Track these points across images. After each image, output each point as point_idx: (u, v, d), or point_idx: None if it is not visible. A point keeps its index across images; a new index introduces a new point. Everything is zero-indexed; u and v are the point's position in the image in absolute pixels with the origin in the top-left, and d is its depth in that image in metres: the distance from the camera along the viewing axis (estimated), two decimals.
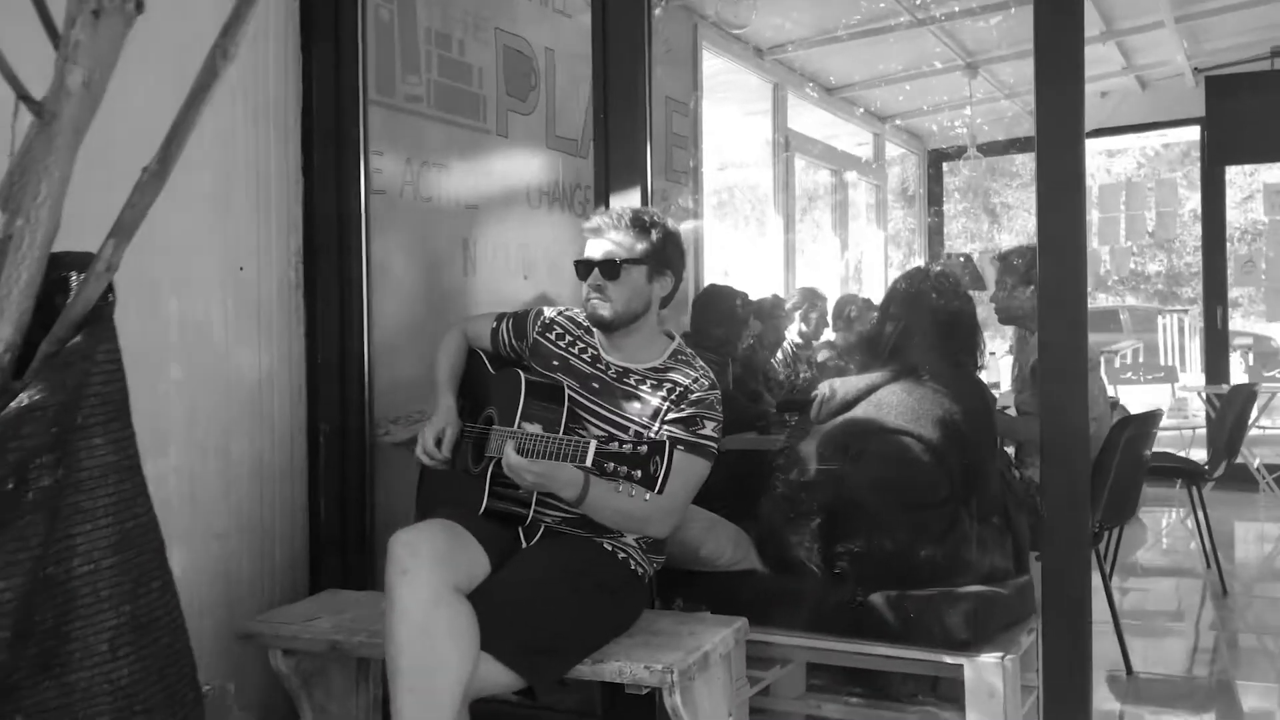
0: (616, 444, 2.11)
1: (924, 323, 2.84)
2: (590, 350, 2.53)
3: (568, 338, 2.56)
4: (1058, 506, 2.32)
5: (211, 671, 2.77)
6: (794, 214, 5.91)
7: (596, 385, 2.47)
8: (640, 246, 2.43)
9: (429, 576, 2.07)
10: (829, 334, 5.17)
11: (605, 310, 2.42)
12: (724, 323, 4.13)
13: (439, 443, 2.50)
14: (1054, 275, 2.33)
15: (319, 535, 3.07)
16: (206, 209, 2.80)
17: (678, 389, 2.41)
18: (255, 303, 2.94)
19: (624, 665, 2.22)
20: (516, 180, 3.87)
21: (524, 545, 2.37)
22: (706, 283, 4.91)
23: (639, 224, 2.44)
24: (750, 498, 3.01)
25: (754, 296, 4.76)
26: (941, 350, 2.86)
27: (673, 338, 2.55)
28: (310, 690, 2.65)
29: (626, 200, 2.69)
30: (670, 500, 2.29)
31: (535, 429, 2.24)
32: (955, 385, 2.81)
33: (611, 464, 2.08)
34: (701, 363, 2.51)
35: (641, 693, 2.27)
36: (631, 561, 2.42)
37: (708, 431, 2.39)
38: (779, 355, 4.97)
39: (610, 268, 2.40)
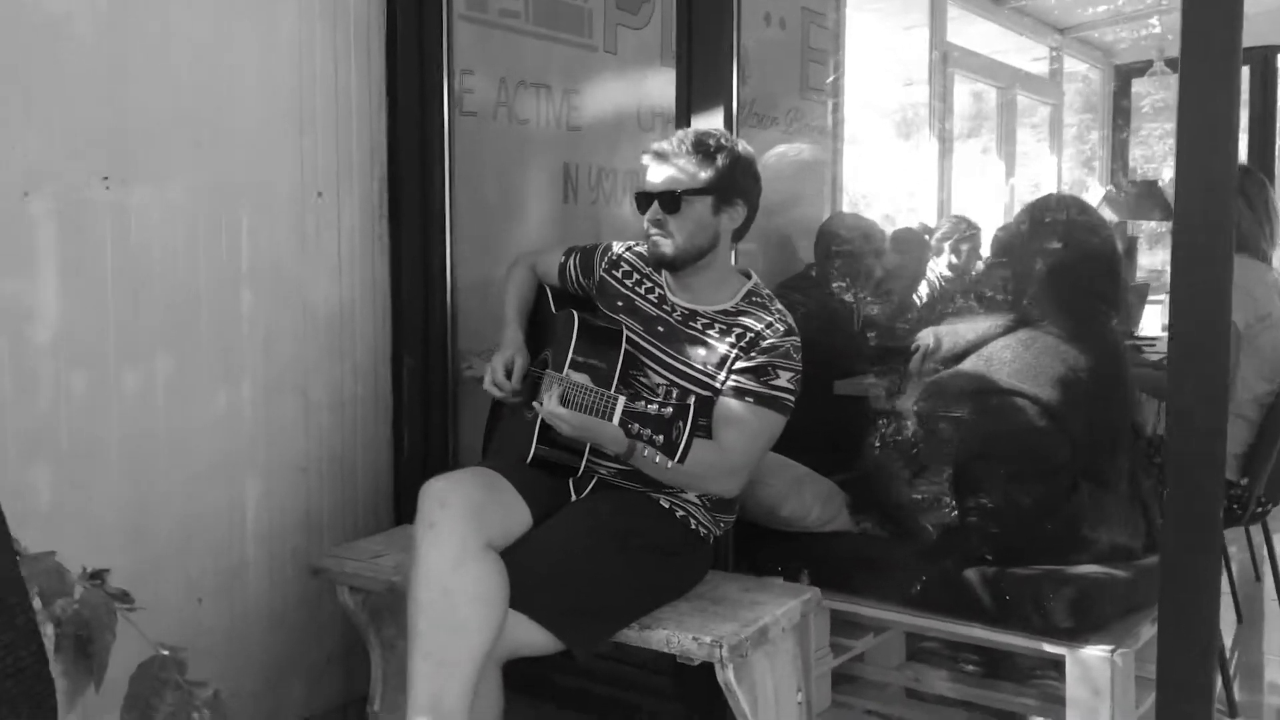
0: (643, 403, 1.90)
1: (1049, 262, 2.50)
2: (657, 290, 2.32)
3: (635, 275, 2.35)
4: (1180, 471, 1.96)
5: (291, 605, 2.76)
6: (952, 136, 5.46)
7: (661, 329, 2.26)
8: (704, 174, 2.17)
9: (457, 532, 1.94)
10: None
11: (666, 247, 2.20)
12: (848, 255, 3.81)
13: (509, 373, 2.35)
14: (1194, 205, 1.94)
15: (401, 470, 3.00)
16: (283, 130, 2.71)
17: (748, 335, 2.18)
18: (335, 230, 2.84)
19: (672, 634, 2.05)
20: (626, 101, 3.65)
21: (573, 498, 2.21)
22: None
23: (702, 148, 2.18)
24: (850, 450, 2.76)
25: (900, 225, 4.42)
26: (1071, 296, 2.51)
27: (749, 277, 2.32)
28: (379, 626, 2.60)
29: (709, 122, 2.44)
30: (735, 457, 2.11)
31: (582, 378, 2.06)
32: (1085, 338, 2.46)
33: (635, 425, 1.88)
34: (780, 306, 2.27)
35: (693, 663, 2.10)
36: (692, 521, 2.22)
37: (781, 383, 2.15)
38: (921, 290, 4.61)
39: (670, 200, 2.16)
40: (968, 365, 2.48)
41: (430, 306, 2.92)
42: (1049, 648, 2.20)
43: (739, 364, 2.16)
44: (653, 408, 1.88)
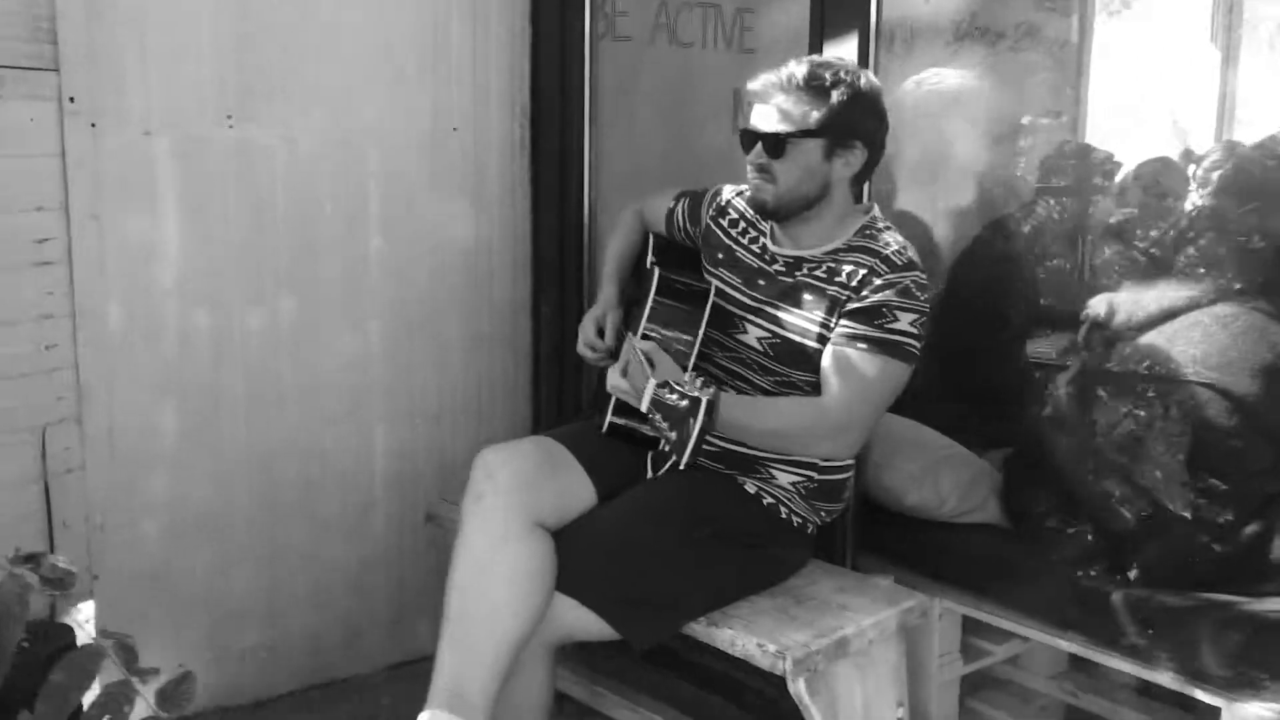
0: (668, 389, 1.68)
1: (1256, 220, 2.02)
2: (761, 240, 2.06)
3: (741, 224, 2.10)
4: None
5: (420, 548, 2.75)
6: (1238, 49, 4.65)
7: (763, 282, 2.01)
8: (815, 115, 1.87)
9: (501, 507, 1.82)
10: None
11: (767, 194, 1.93)
12: (1064, 193, 3.32)
13: (601, 332, 2.17)
14: None
15: (539, 417, 2.91)
16: (414, 65, 2.62)
17: (859, 273, 1.89)
18: (473, 167, 2.74)
19: (738, 636, 1.85)
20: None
21: (648, 476, 2.02)
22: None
23: (815, 84, 1.88)
24: (1013, 426, 2.40)
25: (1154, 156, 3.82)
26: None
27: (869, 211, 2.01)
28: None
29: (841, 50, 2.13)
30: (839, 414, 1.85)
31: (649, 345, 1.86)
32: None
33: (657, 416, 1.67)
34: (899, 237, 1.95)
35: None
36: (783, 509, 1.99)
37: (901, 325, 1.84)
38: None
39: (774, 143, 1.89)
40: (1144, 344, 2.06)
41: (565, 251, 2.77)
42: (1202, 694, 1.82)
43: (850, 306, 1.88)
44: (672, 397, 1.66)
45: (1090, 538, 2.10)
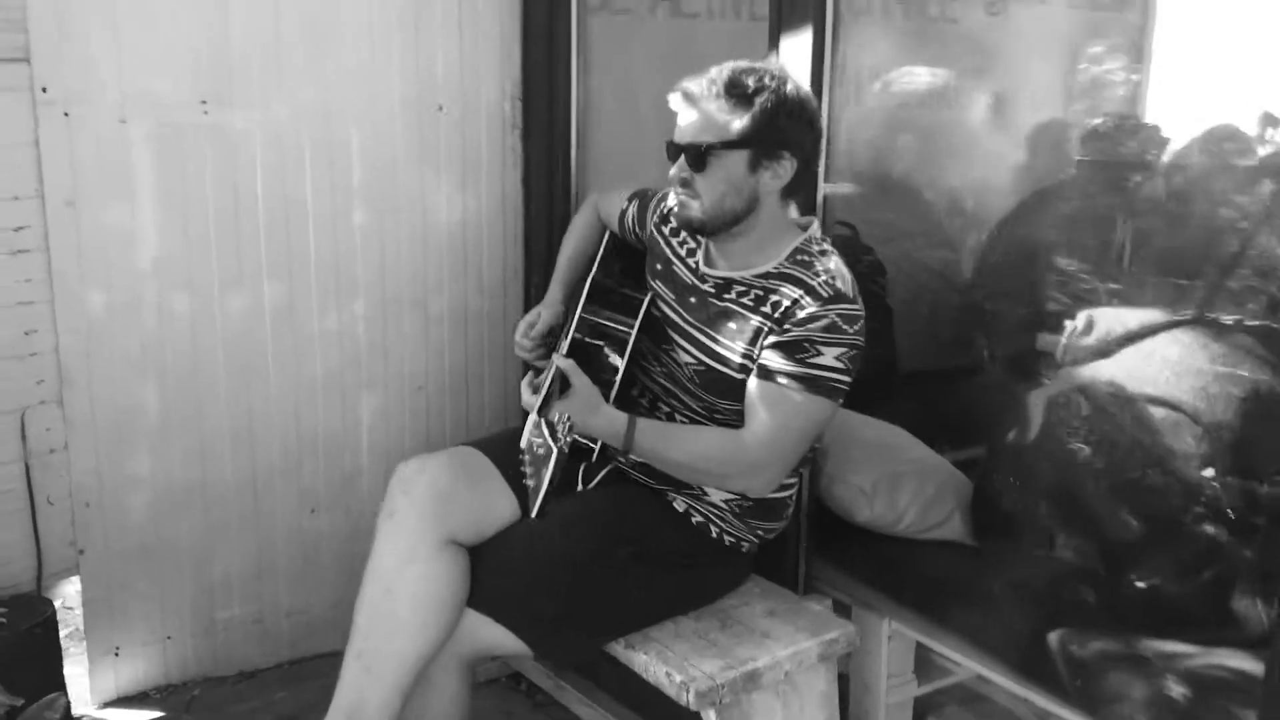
0: (537, 430, 1.63)
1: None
2: (696, 254, 1.98)
3: (682, 234, 2.02)
4: None
5: None
6: None
7: (693, 300, 1.94)
8: (738, 124, 1.76)
9: (411, 525, 1.82)
10: None
11: (693, 210, 1.83)
12: (1106, 167, 3.10)
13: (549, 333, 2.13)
14: None
15: None
16: (397, 42, 2.57)
17: (783, 303, 1.80)
18: (459, 144, 2.70)
19: (651, 662, 1.83)
20: None
21: (579, 488, 1.99)
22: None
23: (737, 90, 1.75)
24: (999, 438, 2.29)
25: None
26: None
27: (806, 229, 1.90)
28: None
29: (795, 45, 2.01)
30: (757, 451, 1.79)
31: (567, 363, 1.81)
32: None
33: (524, 456, 1.62)
34: (833, 263, 1.83)
35: None
36: (713, 528, 1.94)
37: (825, 360, 1.75)
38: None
39: (696, 155, 1.79)
40: (1115, 362, 1.93)
41: (555, 227, 2.72)
42: None
43: (770, 338, 1.80)
44: (538, 440, 1.60)
45: (1051, 565, 2.00)
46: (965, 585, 2.11)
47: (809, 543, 2.15)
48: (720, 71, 1.79)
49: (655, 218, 2.07)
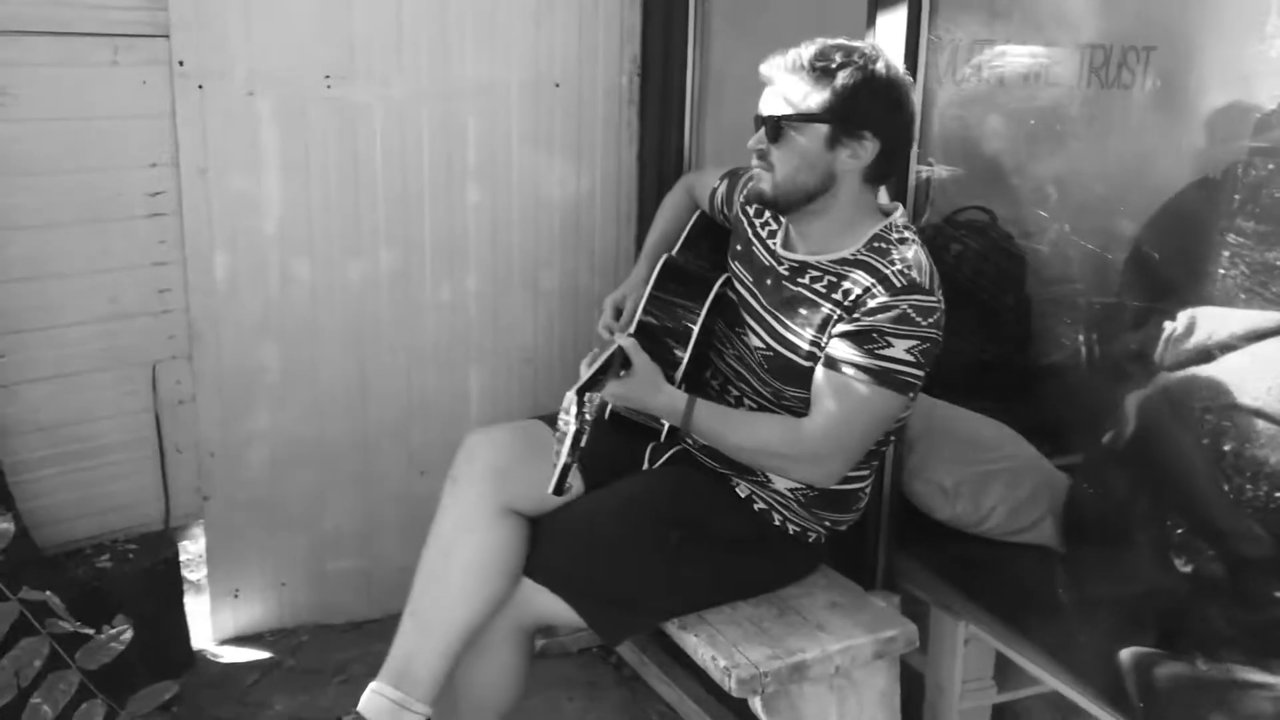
0: (566, 408, 1.62)
1: None
2: (776, 236, 1.93)
3: (765, 215, 1.98)
4: None
5: None
6: None
7: (769, 282, 1.89)
8: (816, 98, 1.71)
9: (473, 491, 1.86)
10: None
11: (765, 183, 1.80)
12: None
13: (619, 313, 2.13)
14: None
15: None
16: (516, 22, 2.62)
17: (854, 291, 1.74)
18: (575, 121, 2.73)
19: (701, 645, 1.82)
20: None
21: (644, 467, 1.99)
22: None
23: (820, 63, 1.71)
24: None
25: None
26: None
27: (888, 214, 1.83)
28: None
29: (891, 17, 1.93)
30: (817, 442, 1.74)
31: (628, 343, 1.80)
32: None
33: (555, 441, 1.61)
34: (911, 252, 1.75)
35: None
36: (776, 516, 1.91)
37: (894, 353, 1.68)
38: None
39: (773, 126, 1.75)
40: (1219, 367, 1.78)
41: None
42: None
43: (839, 327, 1.74)
44: (566, 416, 1.59)
45: (1144, 582, 1.87)
46: (1051, 594, 2.00)
47: (889, 535, 2.09)
48: (808, 46, 1.74)
49: (741, 197, 2.04)
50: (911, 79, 1.80)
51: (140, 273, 2.44)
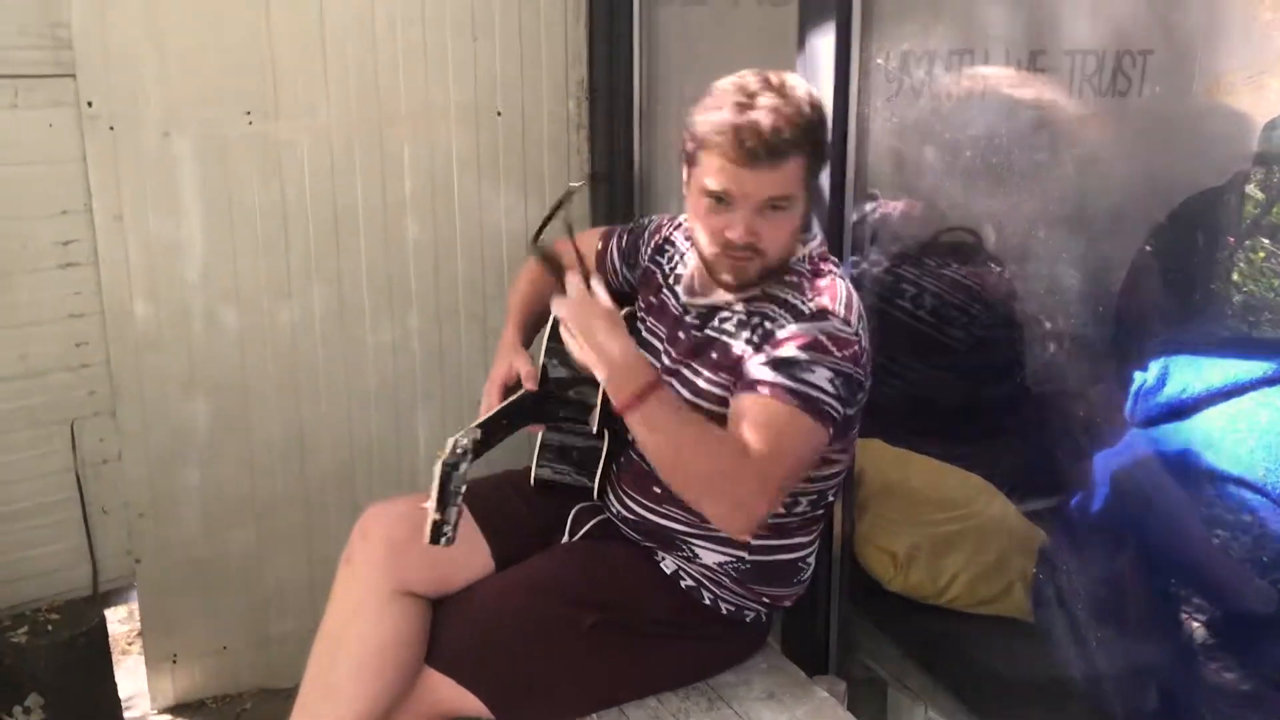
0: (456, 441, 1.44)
1: None
2: (681, 282, 1.74)
3: (674, 261, 1.79)
4: None
5: None
6: None
7: (681, 336, 1.70)
8: (801, 161, 1.52)
9: (368, 571, 1.68)
10: None
11: (752, 268, 1.57)
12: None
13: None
14: None
15: None
16: (451, 37, 2.45)
17: (763, 325, 1.57)
18: (519, 149, 2.56)
19: None
20: None
21: (563, 539, 1.80)
22: None
23: (795, 132, 1.50)
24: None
25: None
26: None
27: (808, 241, 1.64)
28: None
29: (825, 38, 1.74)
30: (764, 465, 1.47)
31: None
32: None
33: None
34: (826, 280, 1.58)
35: None
36: (706, 594, 1.72)
37: (817, 380, 1.48)
38: None
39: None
40: (1196, 423, 1.56)
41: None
42: None
43: (755, 357, 1.55)
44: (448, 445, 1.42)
45: (1129, 656, 1.66)
46: (1023, 672, 1.79)
47: (841, 608, 1.89)
48: (769, 95, 1.49)
49: (650, 249, 1.85)
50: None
51: (54, 326, 2.31)
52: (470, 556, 1.75)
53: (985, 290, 2.49)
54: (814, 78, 1.77)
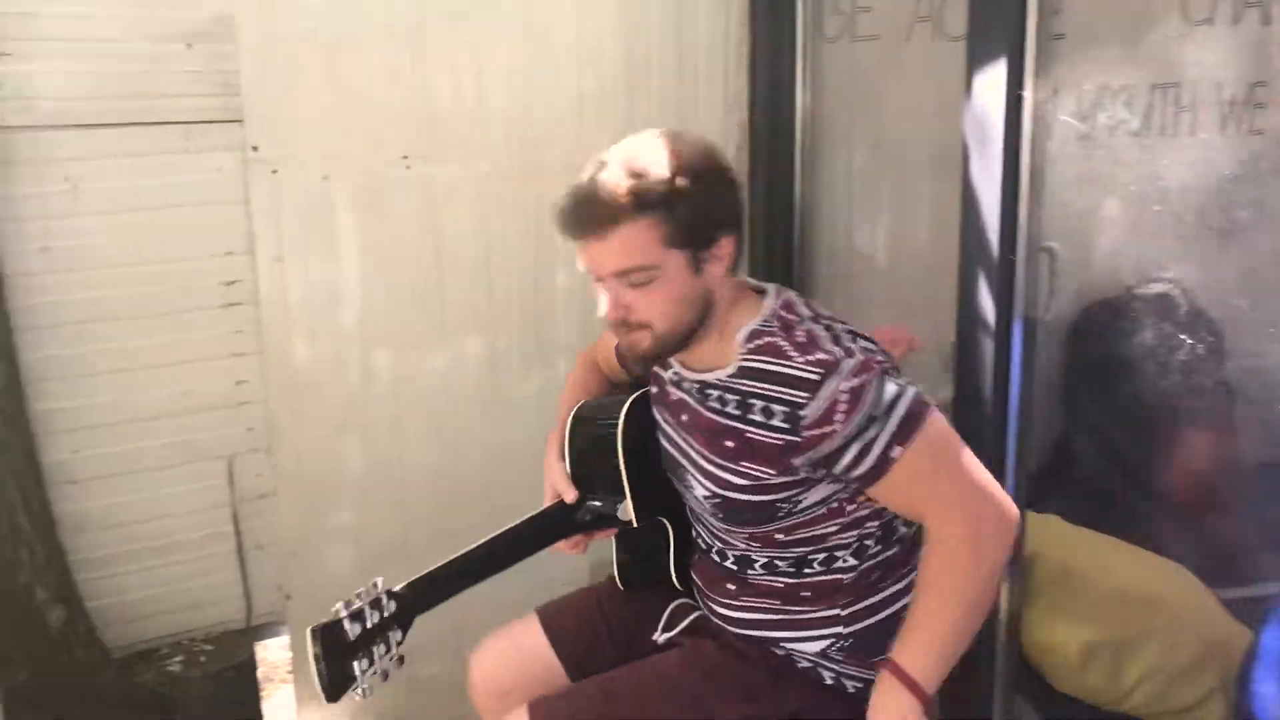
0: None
1: None
2: (670, 365, 1.64)
3: None
4: None
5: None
6: None
7: (685, 418, 1.60)
8: (659, 231, 1.45)
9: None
10: None
11: (644, 343, 1.51)
12: None
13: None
14: None
15: None
16: (607, 83, 2.40)
17: (773, 410, 1.44)
18: None
19: None
20: None
21: (659, 633, 1.69)
22: None
23: (639, 196, 1.44)
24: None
25: None
26: None
27: (760, 293, 1.57)
28: None
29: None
30: (964, 516, 1.40)
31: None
32: None
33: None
34: (800, 333, 1.47)
35: None
36: (826, 675, 1.56)
37: (887, 401, 1.40)
38: None
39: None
40: None
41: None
42: None
43: (810, 453, 1.42)
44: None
45: None
46: None
47: (1005, 701, 1.69)
48: (608, 184, 1.45)
49: None
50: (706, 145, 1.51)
51: (217, 364, 2.36)
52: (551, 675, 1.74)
53: (1192, 348, 2.27)
54: (982, 122, 1.62)
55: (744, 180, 1.54)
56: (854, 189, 2.45)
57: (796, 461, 1.44)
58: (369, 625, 1.42)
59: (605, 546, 1.87)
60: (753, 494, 1.49)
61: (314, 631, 1.38)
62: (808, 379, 1.41)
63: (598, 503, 1.67)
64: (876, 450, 1.39)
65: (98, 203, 2.19)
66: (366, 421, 2.43)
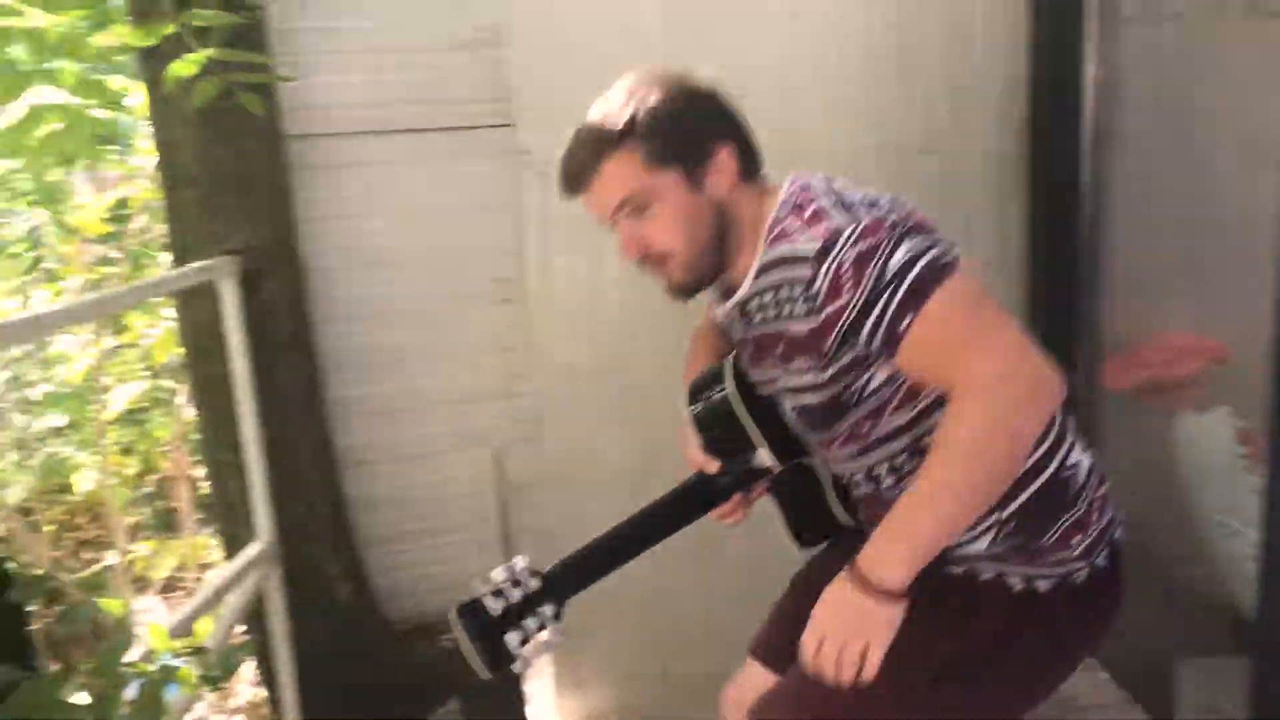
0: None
1: None
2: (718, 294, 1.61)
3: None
4: None
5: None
6: None
7: (750, 346, 1.55)
8: (640, 160, 1.44)
9: None
10: None
11: (675, 273, 1.48)
12: None
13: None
14: None
15: None
16: (870, 68, 2.32)
17: (796, 291, 1.37)
18: (946, 191, 2.36)
19: None
20: None
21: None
22: None
23: (610, 132, 1.45)
24: None
25: None
26: None
27: (772, 195, 1.47)
28: None
29: None
30: (986, 376, 1.25)
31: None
32: None
33: None
34: (810, 209, 1.38)
35: None
36: (1013, 577, 1.46)
37: (899, 265, 1.30)
38: None
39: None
40: None
41: (1075, 299, 2.24)
42: None
43: (839, 325, 1.34)
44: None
45: None
46: None
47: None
48: (582, 131, 1.49)
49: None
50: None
51: (491, 357, 2.48)
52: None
53: None
54: None
55: (726, 93, 1.52)
56: (1151, 188, 2.23)
57: (829, 343, 1.36)
58: (512, 601, 1.45)
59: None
60: (815, 392, 1.43)
61: (458, 609, 1.44)
62: (811, 254, 1.35)
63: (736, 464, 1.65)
64: (887, 320, 1.30)
65: (388, 204, 2.35)
66: (630, 418, 2.48)
